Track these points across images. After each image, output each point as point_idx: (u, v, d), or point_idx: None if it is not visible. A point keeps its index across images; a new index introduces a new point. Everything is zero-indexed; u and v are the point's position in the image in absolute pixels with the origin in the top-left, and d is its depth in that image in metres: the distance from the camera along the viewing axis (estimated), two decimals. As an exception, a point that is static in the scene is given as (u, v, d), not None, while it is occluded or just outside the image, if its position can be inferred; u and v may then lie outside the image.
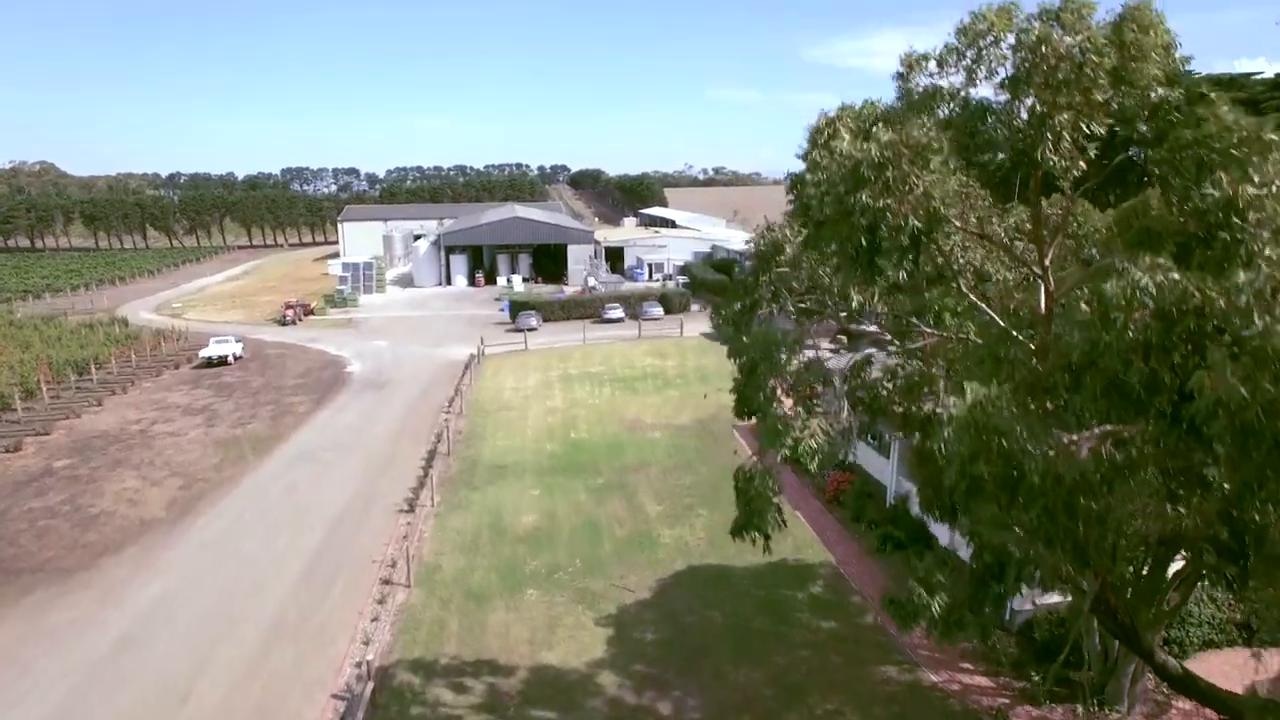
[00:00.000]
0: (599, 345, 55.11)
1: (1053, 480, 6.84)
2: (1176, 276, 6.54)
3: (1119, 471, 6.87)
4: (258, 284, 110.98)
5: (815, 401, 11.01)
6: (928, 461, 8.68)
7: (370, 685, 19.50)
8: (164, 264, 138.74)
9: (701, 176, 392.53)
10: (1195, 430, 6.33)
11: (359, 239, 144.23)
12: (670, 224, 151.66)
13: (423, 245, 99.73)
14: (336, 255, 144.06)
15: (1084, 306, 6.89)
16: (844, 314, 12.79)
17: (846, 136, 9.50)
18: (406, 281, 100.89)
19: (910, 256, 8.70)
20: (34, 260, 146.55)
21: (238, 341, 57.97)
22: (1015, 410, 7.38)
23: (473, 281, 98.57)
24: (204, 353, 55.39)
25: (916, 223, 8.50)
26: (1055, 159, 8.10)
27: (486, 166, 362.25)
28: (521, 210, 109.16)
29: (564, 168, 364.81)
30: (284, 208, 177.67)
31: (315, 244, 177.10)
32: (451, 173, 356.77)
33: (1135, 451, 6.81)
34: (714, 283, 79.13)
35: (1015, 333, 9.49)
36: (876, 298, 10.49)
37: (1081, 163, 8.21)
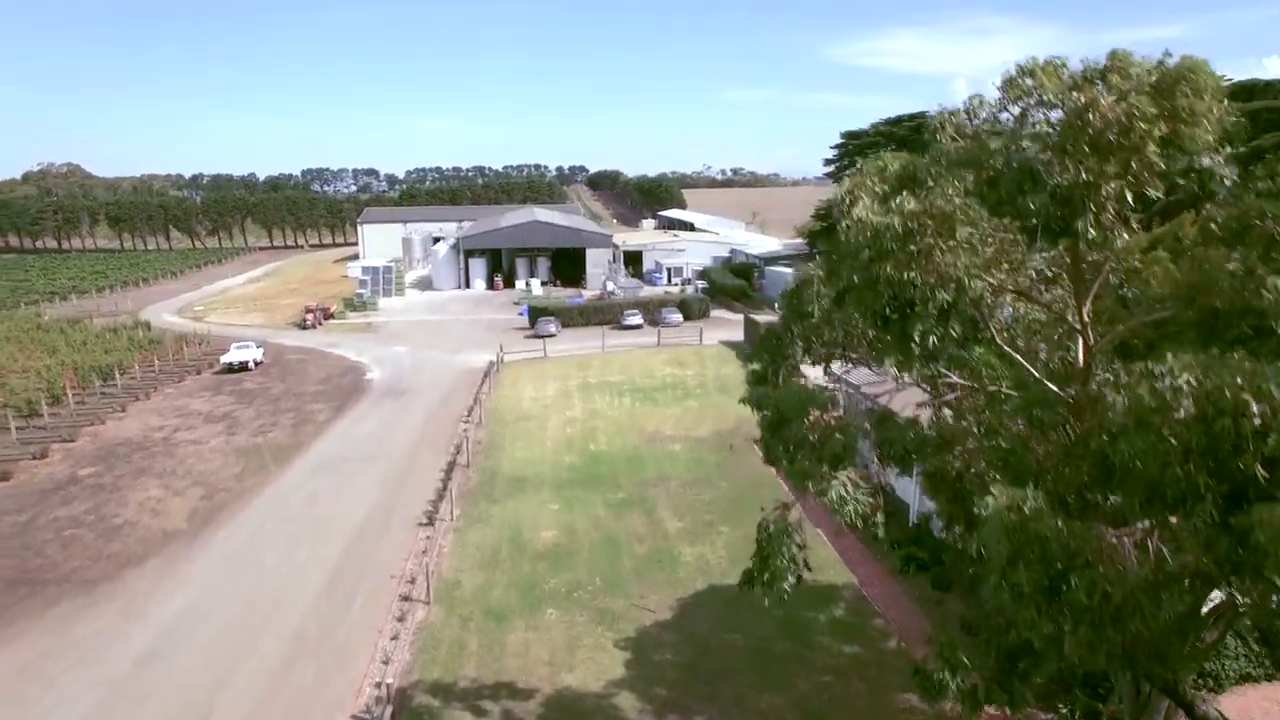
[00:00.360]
0: (618, 353, 54.98)
1: (1100, 596, 6.59)
2: (1216, 377, 6.25)
3: (1169, 582, 6.62)
4: (278, 286, 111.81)
5: (845, 453, 10.78)
6: (967, 559, 8.42)
7: (390, 709, 19.46)
8: (186, 265, 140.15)
9: (720, 177, 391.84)
10: (1248, 543, 6.07)
11: (378, 241, 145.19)
12: (689, 226, 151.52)
13: (442, 248, 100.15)
14: (356, 257, 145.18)
15: (1120, 402, 6.63)
16: (878, 369, 12.51)
17: (866, 200, 9.24)
18: (425, 284, 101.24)
19: (939, 327, 8.45)
20: (60, 261, 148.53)
21: (258, 347, 58.34)
22: (1053, 511, 7.11)
23: (491, 285, 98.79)
24: (225, 358, 55.81)
25: (945, 295, 8.26)
26: (1095, 232, 7.81)
27: (505, 167, 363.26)
28: (540, 214, 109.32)
29: (582, 168, 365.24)
30: (304, 209, 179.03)
31: (335, 245, 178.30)
32: (470, 173, 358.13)
33: (1185, 557, 6.56)
34: (733, 288, 78.88)
35: (1051, 385, 9.23)
36: (910, 361, 10.24)
37: (1124, 233, 7.91)
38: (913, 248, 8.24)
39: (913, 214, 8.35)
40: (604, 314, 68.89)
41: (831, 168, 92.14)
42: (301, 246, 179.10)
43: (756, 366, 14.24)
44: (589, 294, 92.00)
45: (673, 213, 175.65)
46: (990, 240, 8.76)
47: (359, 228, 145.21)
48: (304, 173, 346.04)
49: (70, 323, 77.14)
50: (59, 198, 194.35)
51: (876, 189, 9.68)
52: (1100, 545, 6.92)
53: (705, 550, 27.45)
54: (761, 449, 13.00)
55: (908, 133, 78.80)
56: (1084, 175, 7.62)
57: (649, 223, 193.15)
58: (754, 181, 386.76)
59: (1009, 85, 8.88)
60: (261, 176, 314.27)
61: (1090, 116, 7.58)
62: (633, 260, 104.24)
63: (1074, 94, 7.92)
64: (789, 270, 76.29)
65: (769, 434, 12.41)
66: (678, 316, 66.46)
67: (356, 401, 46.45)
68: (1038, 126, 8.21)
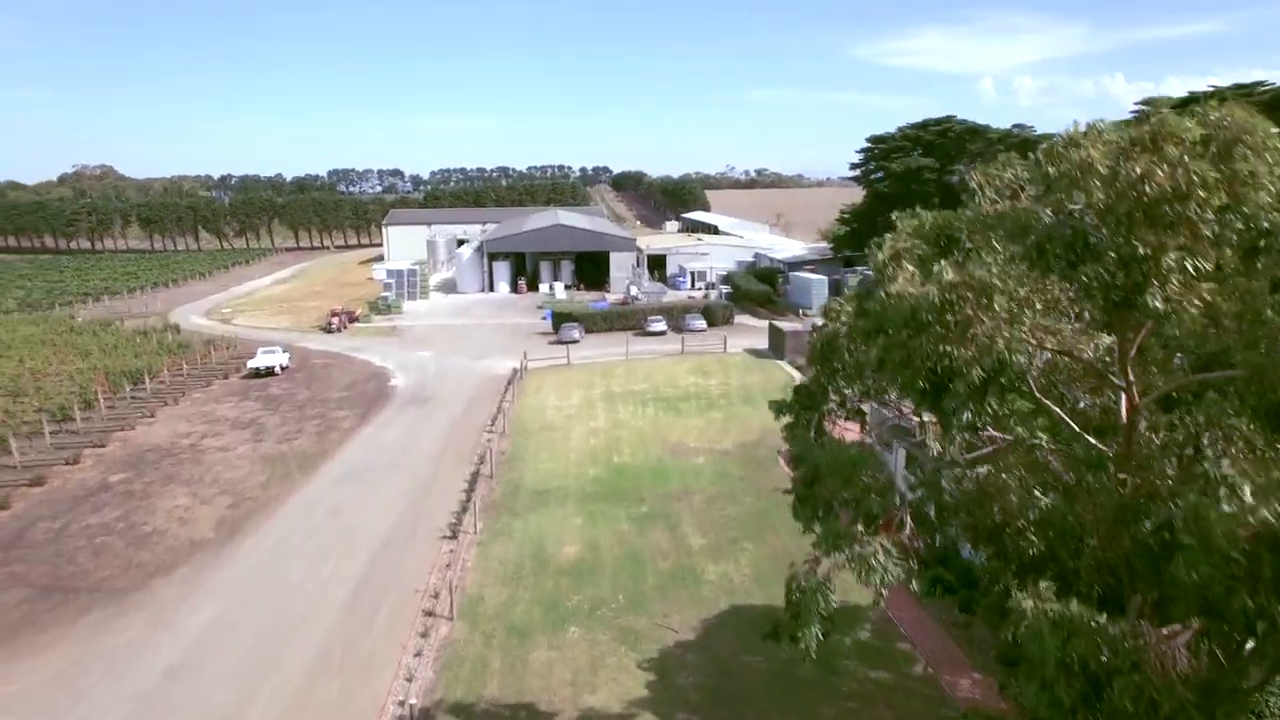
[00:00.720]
0: (641, 360, 54.84)
1: (1147, 705, 6.33)
2: None
3: (1227, 695, 6.35)
4: (304, 288, 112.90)
5: (880, 516, 10.57)
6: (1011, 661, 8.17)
7: (414, 730, 19.49)
8: (214, 266, 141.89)
9: (743, 178, 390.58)
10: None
11: (403, 242, 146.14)
12: (712, 229, 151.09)
13: (466, 252, 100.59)
14: (381, 258, 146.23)
15: (1176, 514, 6.35)
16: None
17: (910, 268, 8.96)
18: (450, 288, 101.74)
19: (976, 403, 8.20)
20: (93, 262, 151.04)
21: (284, 351, 58.85)
22: (1093, 610, 6.85)
23: (515, 288, 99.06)
24: (252, 363, 56.36)
25: (981, 370, 8.00)
26: (1162, 306, 7.50)
27: (529, 168, 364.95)
28: (564, 217, 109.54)
29: (605, 169, 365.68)
30: (330, 211, 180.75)
31: (360, 246, 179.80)
32: (494, 174, 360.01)
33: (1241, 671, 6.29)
34: (758, 293, 78.51)
35: (1091, 439, 8.96)
36: (949, 435, 9.98)
37: (1193, 305, 7.56)
38: (950, 319, 8.00)
39: (950, 285, 8.10)
40: (627, 320, 68.78)
41: (857, 171, 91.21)
42: (327, 247, 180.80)
43: (790, 419, 14.01)
44: (612, 298, 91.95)
45: (696, 215, 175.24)
46: (1031, 305, 8.46)
47: (384, 230, 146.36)
48: (330, 173, 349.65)
49: (102, 325, 78.37)
50: (93, 199, 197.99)
51: (917, 251, 9.40)
52: (1147, 649, 6.67)
53: (729, 568, 27.26)
54: (791, 511, 12.76)
55: (934, 137, 78.02)
56: (1143, 249, 7.32)
57: (672, 224, 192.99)
58: (777, 182, 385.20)
59: (1052, 156, 8.56)
60: (288, 177, 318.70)
61: (1146, 187, 7.29)
62: (656, 264, 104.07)
63: (1126, 164, 7.59)
64: (814, 276, 75.75)
65: (802, 490, 12.20)
66: (702, 323, 66.22)
67: (381, 409, 46.70)
68: (1088, 197, 7.89)
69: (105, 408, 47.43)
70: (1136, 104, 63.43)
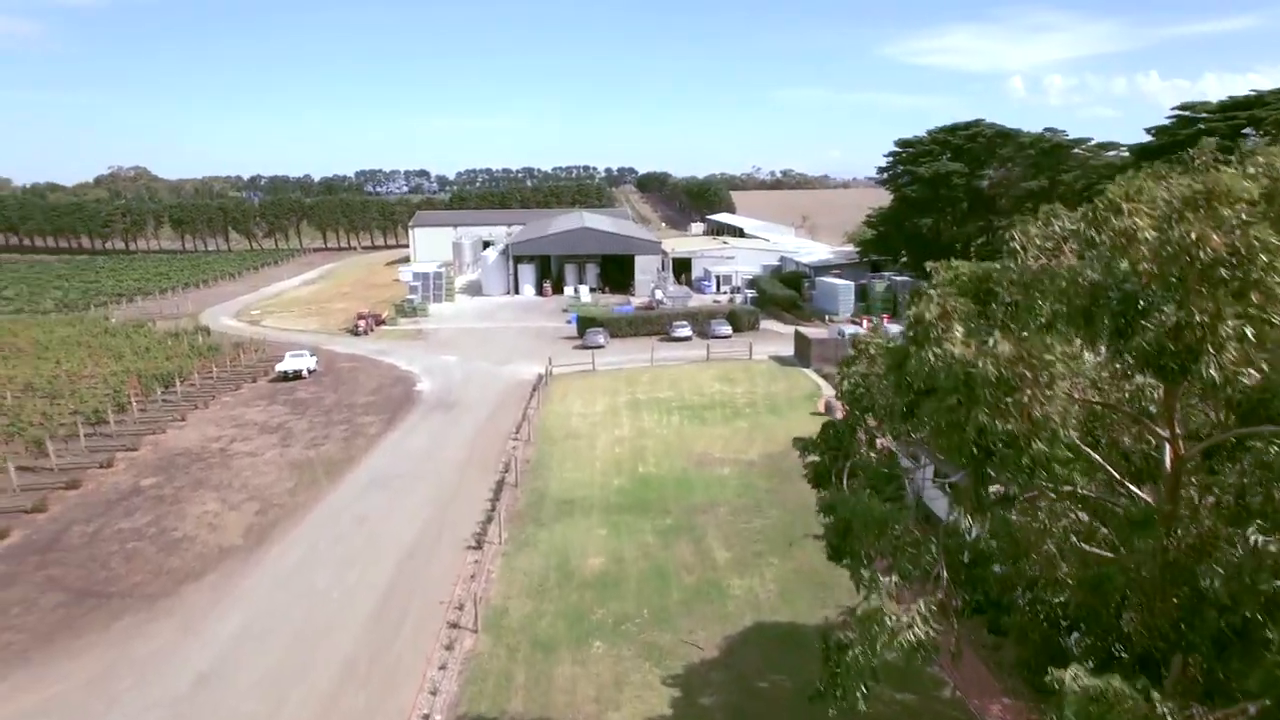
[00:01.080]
0: (667, 367, 54.74)
1: None
2: None
3: None
4: (332, 289, 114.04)
5: (914, 570, 10.37)
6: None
7: (439, 746, 19.53)
8: (244, 267, 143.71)
9: (768, 179, 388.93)
10: None
11: (429, 244, 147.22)
12: (738, 231, 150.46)
13: (491, 254, 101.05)
14: (408, 260, 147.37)
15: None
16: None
17: (960, 329, 8.68)
18: (475, 290, 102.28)
19: (1023, 475, 7.99)
20: (127, 263, 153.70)
21: (312, 355, 59.46)
22: (1136, 687, 6.61)
23: (540, 291, 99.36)
24: (280, 367, 56.99)
25: (1040, 445, 7.79)
26: (1218, 376, 7.23)
27: (554, 169, 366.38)
28: (589, 220, 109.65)
29: (630, 170, 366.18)
30: (357, 212, 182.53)
31: (387, 247, 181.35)
32: (520, 175, 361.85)
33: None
34: (783, 298, 78.08)
35: (1134, 489, 8.71)
36: (984, 510, 9.75)
37: (1253, 373, 7.28)
38: (1009, 400, 7.76)
39: (1009, 360, 7.87)
40: (652, 325, 68.71)
41: (884, 175, 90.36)
42: (354, 248, 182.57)
43: (817, 458, 13.80)
44: (637, 301, 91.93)
45: (721, 217, 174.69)
46: (1083, 379, 8.20)
47: (410, 231, 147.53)
48: (357, 174, 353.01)
49: (135, 326, 79.67)
50: (127, 200, 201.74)
51: (964, 308, 9.12)
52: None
53: (754, 583, 27.08)
54: (827, 550, 12.55)
55: (963, 141, 76.97)
56: (1199, 316, 7.06)
57: (698, 226, 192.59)
58: (803, 183, 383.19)
59: (1094, 221, 8.27)
60: (316, 178, 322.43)
61: (1200, 252, 7.03)
62: (681, 267, 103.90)
63: (1177, 227, 7.32)
64: (840, 281, 75.15)
65: (836, 541, 12.00)
66: (727, 329, 65.96)
67: (406, 414, 47.00)
68: (1134, 265, 7.61)
69: (137, 411, 48.17)
70: (1174, 109, 62.10)
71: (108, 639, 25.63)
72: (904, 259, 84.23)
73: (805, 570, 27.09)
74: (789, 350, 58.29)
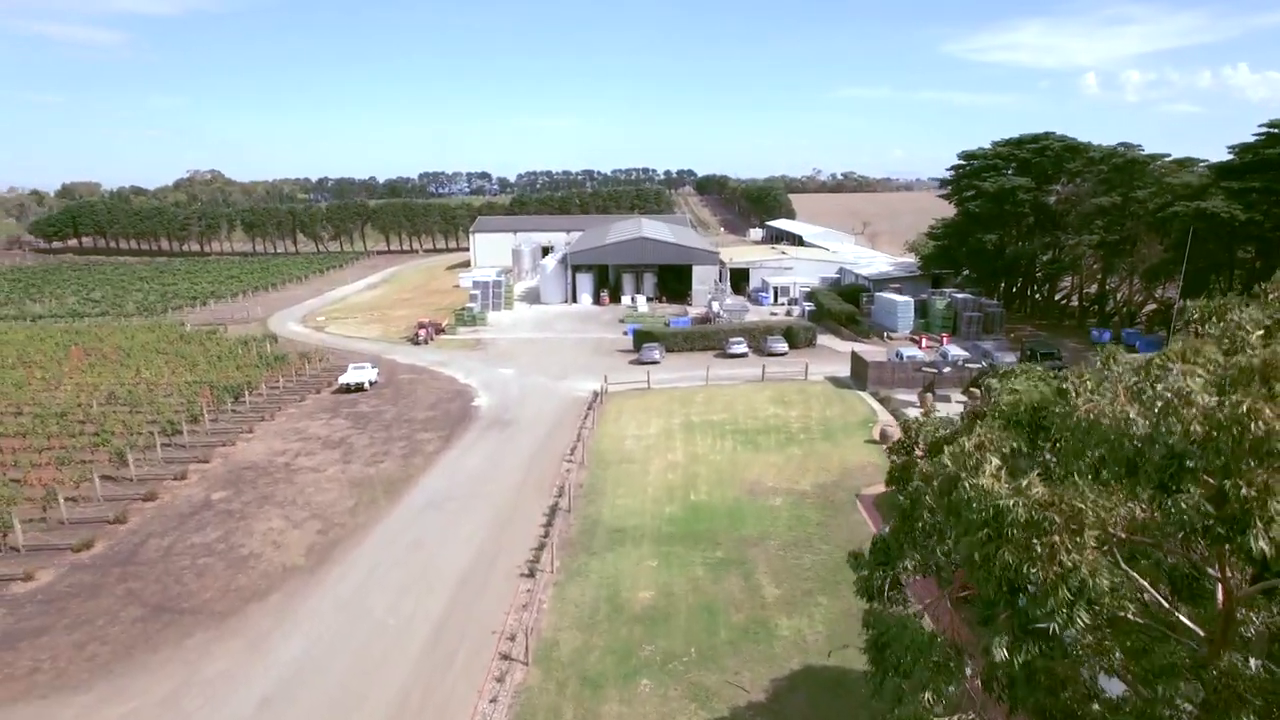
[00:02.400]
0: (722, 387, 54.67)
1: None
2: None
3: None
4: (394, 294, 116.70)
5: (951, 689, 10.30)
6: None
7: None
8: (310, 270, 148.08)
9: (829, 181, 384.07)
10: None
11: (489, 250, 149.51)
12: (797, 240, 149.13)
13: (550, 263, 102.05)
14: (468, 264, 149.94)
15: None
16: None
17: (995, 462, 8.67)
18: (533, 298, 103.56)
19: (1064, 612, 7.90)
20: (201, 265, 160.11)
21: (373, 367, 61.11)
22: None
23: (597, 300, 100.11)
24: (343, 379, 58.68)
25: (1066, 593, 7.71)
26: (1267, 549, 7.04)
27: (614, 171, 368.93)
28: (648, 229, 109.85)
29: (690, 173, 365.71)
30: (420, 215, 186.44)
31: (448, 250, 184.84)
32: (579, 177, 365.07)
33: None
34: (841, 313, 77.16)
35: (1184, 618, 8.51)
36: (1019, 646, 9.64)
37: None
38: (1036, 543, 7.74)
39: (1039, 504, 7.84)
40: (708, 340, 68.63)
41: (947, 188, 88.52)
42: (416, 251, 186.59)
43: (865, 573, 13.78)
44: (694, 311, 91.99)
45: (780, 223, 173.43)
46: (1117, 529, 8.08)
47: (471, 236, 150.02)
48: (421, 176, 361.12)
49: (208, 333, 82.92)
50: (203, 204, 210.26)
51: (1003, 447, 9.08)
52: None
53: (803, 624, 26.97)
54: (868, 687, 12.54)
55: (1030, 154, 74.87)
56: (1246, 489, 6.94)
57: (756, 232, 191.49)
58: (864, 185, 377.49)
59: (1149, 375, 8.14)
60: (381, 179, 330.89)
61: (1253, 425, 6.90)
62: (739, 277, 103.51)
63: (1231, 398, 7.18)
64: (899, 298, 73.87)
65: (874, 655, 11.99)
66: (783, 345, 65.52)
67: (464, 431, 47.95)
68: (1185, 427, 7.48)
69: (209, 421, 50.22)
70: (1262, 126, 59.09)
71: (180, 656, 26.89)
72: (966, 274, 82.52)
73: (854, 613, 26.70)
74: (846, 370, 57.63)
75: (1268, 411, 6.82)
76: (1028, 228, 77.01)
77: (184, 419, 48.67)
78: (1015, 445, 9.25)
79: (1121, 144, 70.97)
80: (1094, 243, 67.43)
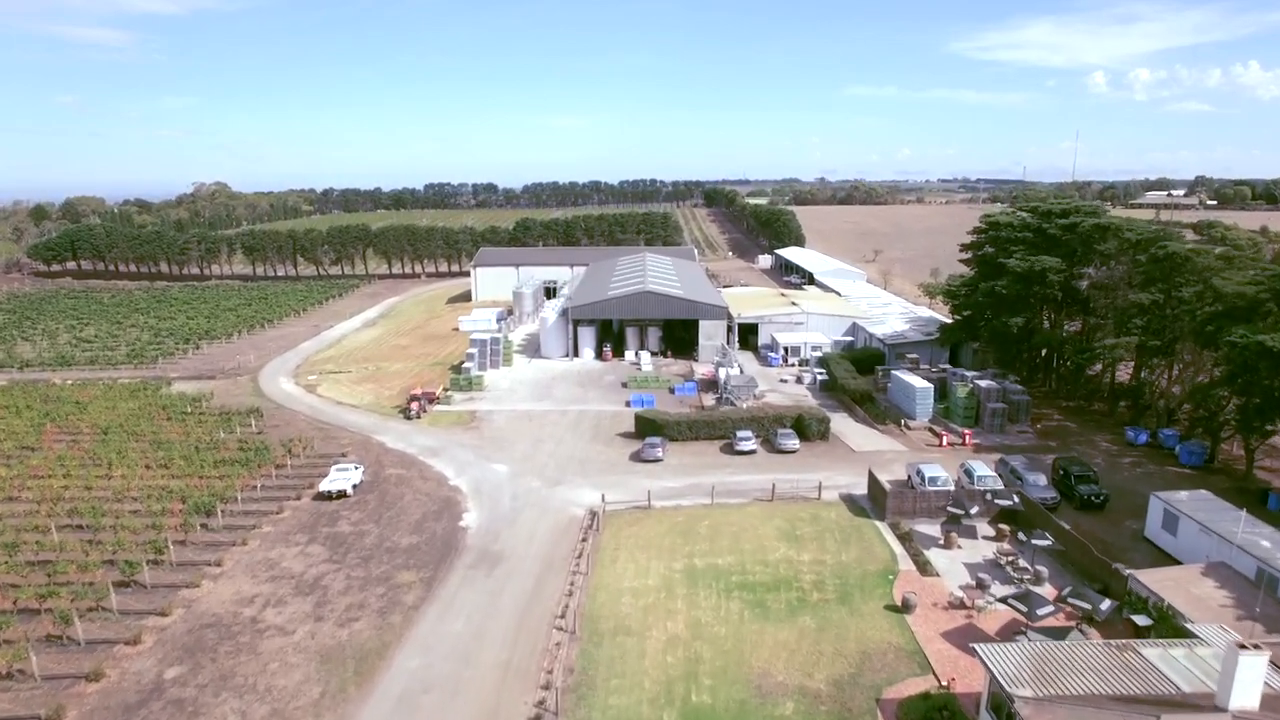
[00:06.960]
0: (728, 510, 50.67)
1: None
2: None
3: None
4: (391, 337, 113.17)
5: None
6: None
7: None
8: (309, 301, 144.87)
9: (839, 191, 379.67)
10: None
11: (491, 284, 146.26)
12: (808, 276, 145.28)
13: (551, 315, 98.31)
14: (469, 297, 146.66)
15: None
16: None
17: None
18: (534, 348, 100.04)
19: None
20: (199, 293, 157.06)
21: (357, 468, 57.55)
22: None
23: (600, 355, 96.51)
24: (324, 485, 55.09)
25: None
26: None
27: (620, 182, 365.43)
28: (652, 276, 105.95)
29: (697, 183, 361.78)
30: (422, 239, 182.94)
31: (450, 274, 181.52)
32: (585, 188, 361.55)
33: None
34: (856, 390, 73.08)
35: None
36: None
37: None
38: None
39: None
40: (714, 428, 64.72)
41: (968, 254, 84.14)
42: (419, 275, 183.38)
43: None
44: (700, 370, 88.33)
45: (790, 253, 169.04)
46: None
47: (473, 271, 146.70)
48: (425, 187, 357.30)
49: (192, 402, 79.52)
50: (204, 224, 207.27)
51: None
52: None
53: None
54: None
55: (1060, 231, 70.37)
56: None
57: (765, 258, 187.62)
58: (873, 196, 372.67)
59: None
60: (385, 190, 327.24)
61: None
62: (748, 331, 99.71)
63: None
64: (918, 383, 69.35)
65: None
66: (794, 442, 61.52)
67: (448, 572, 44.16)
68: None
69: (175, 549, 46.66)
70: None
71: None
72: (985, 344, 78.33)
73: None
74: (861, 483, 53.72)
75: None
76: (1055, 306, 72.71)
77: (147, 553, 45.11)
78: None
79: (1155, 223, 66.50)
80: (1131, 345, 62.62)
